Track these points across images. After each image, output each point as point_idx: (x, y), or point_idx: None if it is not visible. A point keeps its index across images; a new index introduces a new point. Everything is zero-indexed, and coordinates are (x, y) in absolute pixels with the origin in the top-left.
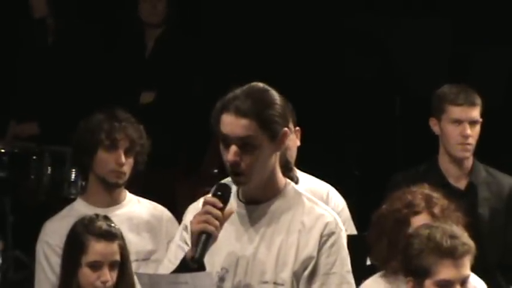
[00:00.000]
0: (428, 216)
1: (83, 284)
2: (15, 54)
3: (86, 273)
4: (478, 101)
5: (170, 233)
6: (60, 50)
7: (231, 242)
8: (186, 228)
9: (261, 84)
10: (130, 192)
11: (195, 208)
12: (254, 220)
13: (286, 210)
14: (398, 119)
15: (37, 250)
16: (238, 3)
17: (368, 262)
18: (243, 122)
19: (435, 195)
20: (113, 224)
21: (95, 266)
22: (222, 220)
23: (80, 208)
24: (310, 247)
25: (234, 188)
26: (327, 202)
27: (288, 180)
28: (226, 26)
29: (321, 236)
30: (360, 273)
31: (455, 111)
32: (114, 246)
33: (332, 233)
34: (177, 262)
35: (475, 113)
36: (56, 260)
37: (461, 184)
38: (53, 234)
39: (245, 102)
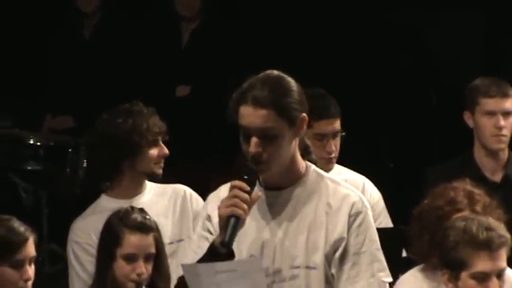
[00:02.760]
0: (471, 213)
1: (118, 277)
2: (51, 48)
3: (121, 266)
4: (511, 92)
5: (195, 208)
6: (97, 43)
7: (257, 228)
8: (209, 217)
9: (275, 72)
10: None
11: (216, 197)
12: (278, 206)
13: (311, 194)
14: (433, 110)
15: (67, 250)
16: None
17: (404, 254)
18: (262, 112)
19: (477, 192)
20: (148, 216)
21: (130, 259)
22: (249, 204)
23: (105, 204)
24: (339, 228)
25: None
26: (362, 194)
27: (309, 163)
28: (263, 18)
29: (349, 216)
30: (396, 265)
31: (488, 103)
32: (149, 239)
33: (359, 212)
34: (202, 252)
35: (508, 104)
36: (86, 258)
37: (497, 177)
38: (81, 232)
39: (262, 92)
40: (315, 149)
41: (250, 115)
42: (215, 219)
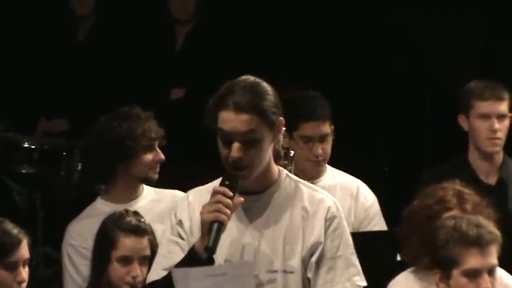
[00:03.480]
0: (460, 212)
1: (113, 280)
2: (45, 50)
3: (116, 269)
4: (506, 95)
5: None
6: (91, 46)
7: (233, 233)
8: (180, 223)
9: (252, 77)
10: (158, 187)
11: (185, 202)
12: (254, 211)
13: (286, 198)
14: (429, 115)
15: (62, 253)
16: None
17: (398, 258)
18: (245, 117)
19: (467, 191)
20: (142, 219)
21: (125, 261)
22: (232, 209)
23: (101, 207)
24: (316, 232)
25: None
26: (356, 197)
27: (281, 168)
28: (257, 22)
29: (325, 220)
30: (390, 269)
31: (483, 106)
32: (144, 241)
33: (334, 217)
34: (173, 256)
35: (503, 107)
36: (80, 261)
37: (492, 180)
38: (76, 235)
39: (243, 97)
40: (302, 150)
41: (232, 120)
42: (187, 224)
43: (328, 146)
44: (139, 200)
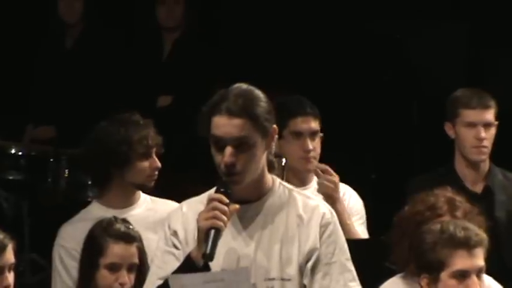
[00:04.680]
0: (451, 219)
1: (100, 286)
2: (33, 57)
3: (104, 276)
4: (492, 103)
5: None
6: (78, 54)
7: (228, 242)
8: (175, 233)
9: (244, 85)
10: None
11: (179, 212)
12: (249, 219)
13: (280, 207)
14: (416, 122)
15: (53, 254)
16: (256, 8)
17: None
18: (237, 121)
19: (458, 198)
20: (131, 227)
21: (113, 268)
22: (228, 216)
23: (96, 211)
24: (311, 239)
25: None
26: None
27: (275, 177)
28: (244, 30)
29: (320, 227)
30: (378, 276)
31: (469, 115)
32: (133, 249)
33: (329, 223)
34: (168, 267)
35: (489, 115)
36: (72, 264)
37: (478, 188)
38: (69, 238)
39: (236, 103)
40: (293, 148)
41: (225, 125)
42: (181, 234)
43: (318, 145)
44: (134, 208)
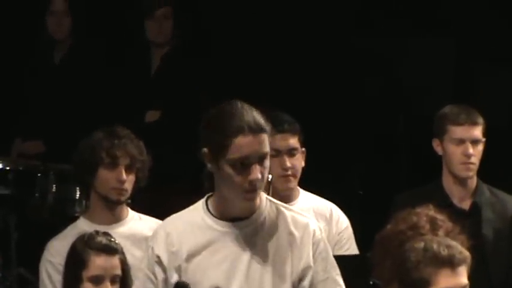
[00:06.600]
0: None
1: None
2: (22, 72)
3: None
4: (480, 120)
5: None
6: (67, 68)
7: (222, 260)
8: (159, 261)
9: (235, 101)
10: (134, 209)
11: (162, 234)
12: (243, 237)
13: (272, 223)
14: (403, 138)
15: (40, 269)
16: (245, 23)
17: (372, 282)
18: (262, 137)
19: (440, 217)
20: (112, 239)
21: (97, 281)
22: None
23: (83, 226)
24: (305, 257)
25: (202, 207)
26: (330, 220)
27: (262, 192)
28: (233, 45)
29: (312, 244)
30: None
31: (457, 131)
32: (115, 260)
33: (319, 240)
34: None
35: (477, 132)
36: (58, 279)
37: (465, 204)
38: (56, 253)
39: (254, 119)
40: (272, 166)
41: (251, 143)
42: (165, 259)
43: (297, 162)
44: (122, 224)
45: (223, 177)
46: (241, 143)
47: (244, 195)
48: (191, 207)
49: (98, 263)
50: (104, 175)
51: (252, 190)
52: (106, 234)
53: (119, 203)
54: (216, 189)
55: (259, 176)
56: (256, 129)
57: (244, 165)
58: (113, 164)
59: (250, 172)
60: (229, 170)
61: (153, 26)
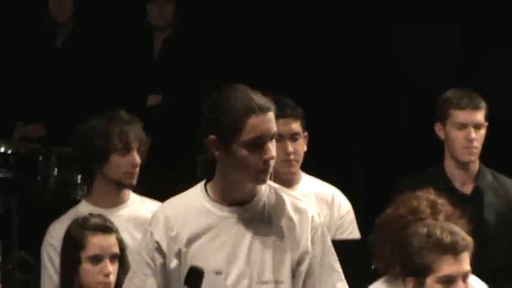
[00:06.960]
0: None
1: (85, 281)
2: (23, 55)
3: (87, 269)
4: (483, 104)
5: None
6: (68, 52)
7: (223, 244)
8: (158, 247)
9: (237, 84)
10: (136, 191)
11: (161, 218)
12: (243, 221)
13: (272, 207)
14: (406, 124)
15: (42, 252)
16: (247, 7)
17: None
18: (271, 116)
19: (440, 201)
20: (108, 220)
21: (96, 260)
22: None
23: (85, 210)
24: (303, 242)
25: (200, 191)
26: (332, 205)
27: None
28: (235, 29)
29: (311, 229)
30: (365, 277)
31: (459, 115)
32: (112, 239)
33: (318, 225)
34: (146, 279)
35: (479, 116)
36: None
37: (467, 189)
38: (58, 236)
39: (261, 98)
40: None
41: (263, 122)
42: (164, 244)
43: (299, 147)
44: (123, 207)
45: (235, 161)
46: (255, 123)
47: (257, 176)
48: (189, 191)
49: (96, 242)
50: (116, 160)
51: (266, 170)
52: (100, 215)
53: (131, 186)
54: (220, 175)
55: (275, 154)
56: (265, 108)
57: (258, 145)
58: (127, 149)
59: (265, 151)
60: (243, 152)
61: (154, 9)
